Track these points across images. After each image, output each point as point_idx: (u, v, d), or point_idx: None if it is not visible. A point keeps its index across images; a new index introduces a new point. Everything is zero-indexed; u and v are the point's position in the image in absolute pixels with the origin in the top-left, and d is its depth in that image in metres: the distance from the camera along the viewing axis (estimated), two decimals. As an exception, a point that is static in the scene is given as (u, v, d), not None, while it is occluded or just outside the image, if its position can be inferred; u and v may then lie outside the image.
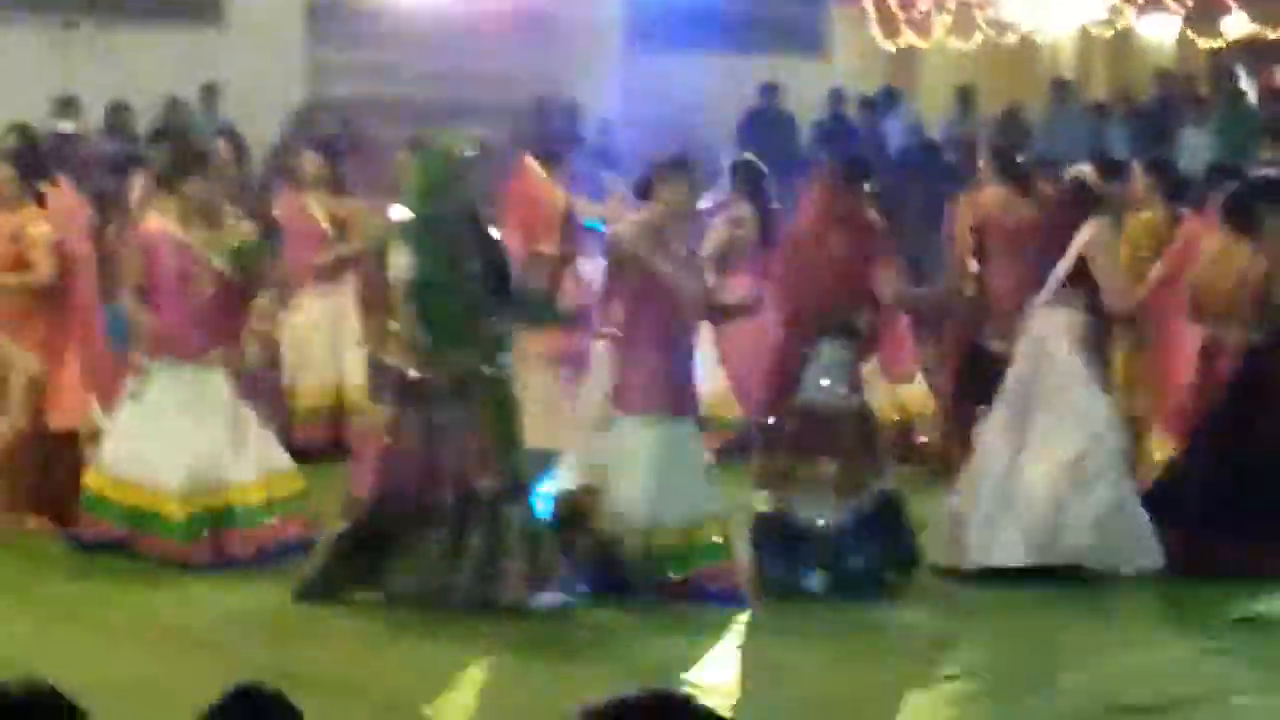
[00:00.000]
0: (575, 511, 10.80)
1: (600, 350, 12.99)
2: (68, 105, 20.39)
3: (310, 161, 14.97)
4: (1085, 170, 12.05)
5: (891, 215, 13.49)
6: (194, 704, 4.09)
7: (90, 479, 11.44)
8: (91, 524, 11.38)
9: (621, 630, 10.40)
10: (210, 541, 11.20)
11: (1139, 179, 14.87)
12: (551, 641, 10.10)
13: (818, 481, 11.07)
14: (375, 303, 11.51)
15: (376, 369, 10.87)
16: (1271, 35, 24.42)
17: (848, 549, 11.13)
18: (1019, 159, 14.55)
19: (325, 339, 14.19)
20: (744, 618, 10.55)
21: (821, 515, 11.05)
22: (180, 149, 12.90)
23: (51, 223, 12.23)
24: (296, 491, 11.56)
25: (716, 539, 10.82)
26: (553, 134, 21.05)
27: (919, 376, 14.61)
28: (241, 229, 11.95)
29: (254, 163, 17.92)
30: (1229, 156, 18.75)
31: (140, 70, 21.26)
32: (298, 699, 4.05)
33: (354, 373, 14.39)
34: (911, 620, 10.84)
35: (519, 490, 10.54)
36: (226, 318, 11.48)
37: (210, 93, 21.74)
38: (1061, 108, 24.84)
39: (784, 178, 16.88)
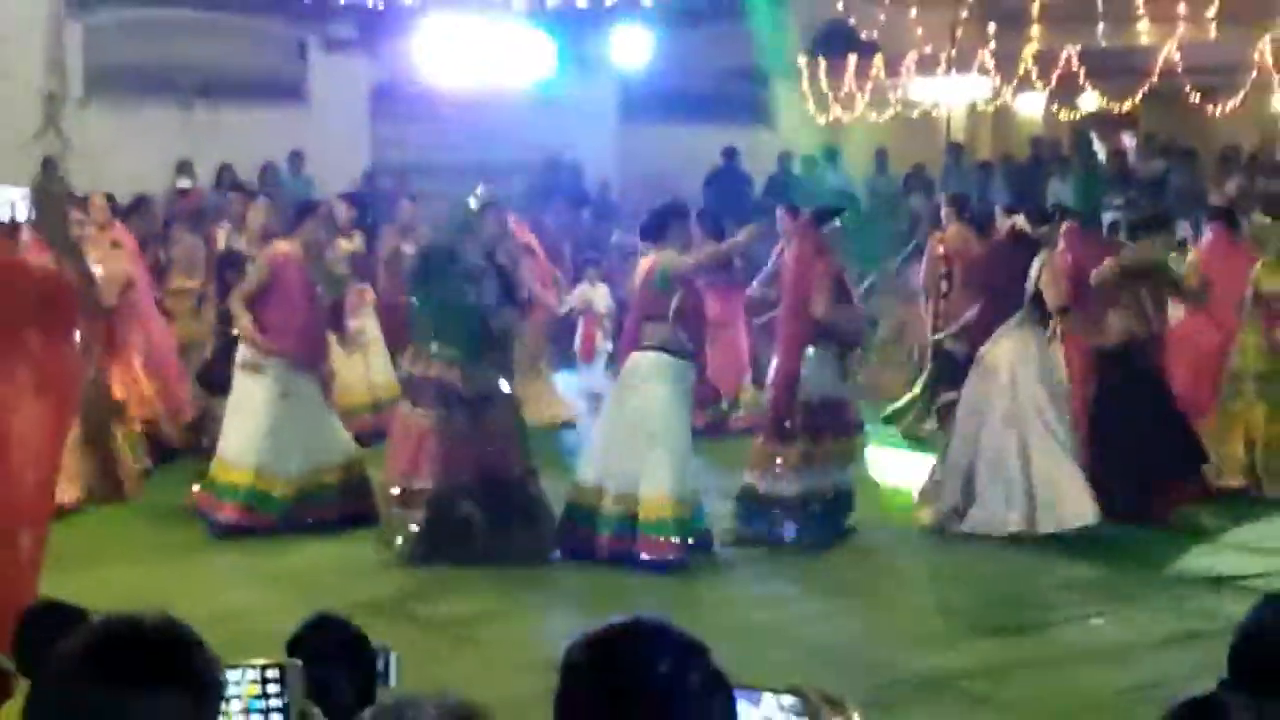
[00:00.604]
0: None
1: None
2: (185, 167, 20.43)
3: (342, 209, 14.90)
4: (1020, 219, 12.01)
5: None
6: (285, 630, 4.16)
7: (214, 468, 11.33)
8: (213, 505, 11.25)
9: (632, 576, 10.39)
10: (304, 512, 11.21)
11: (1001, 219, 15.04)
12: (581, 588, 10.20)
13: (836, 453, 11.17)
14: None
15: (414, 381, 10.74)
16: (1117, 108, 24.44)
17: (846, 507, 11.26)
18: (972, 205, 14.71)
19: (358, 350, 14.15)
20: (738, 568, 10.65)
21: (843, 480, 11.14)
22: (301, 203, 12.86)
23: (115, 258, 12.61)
24: (365, 473, 11.50)
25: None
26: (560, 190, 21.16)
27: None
28: (339, 264, 12.04)
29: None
30: (1084, 202, 18.73)
31: (241, 140, 21.24)
32: (369, 624, 4.11)
33: (380, 373, 14.44)
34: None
35: (535, 472, 10.65)
36: (321, 332, 11.47)
37: (296, 158, 21.72)
38: (956, 165, 24.78)
39: (740, 220, 16.98)
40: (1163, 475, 11.57)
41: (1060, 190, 22.24)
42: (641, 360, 10.72)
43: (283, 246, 11.49)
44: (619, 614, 2.53)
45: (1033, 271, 11.35)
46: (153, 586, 9.63)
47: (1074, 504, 11.05)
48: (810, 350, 11.09)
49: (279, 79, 23.09)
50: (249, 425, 11.19)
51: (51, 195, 5.53)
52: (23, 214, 5.24)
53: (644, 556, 10.36)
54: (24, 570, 4.30)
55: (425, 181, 20.88)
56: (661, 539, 10.39)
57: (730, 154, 24.02)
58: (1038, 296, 11.36)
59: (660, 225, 10.97)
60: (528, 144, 23.45)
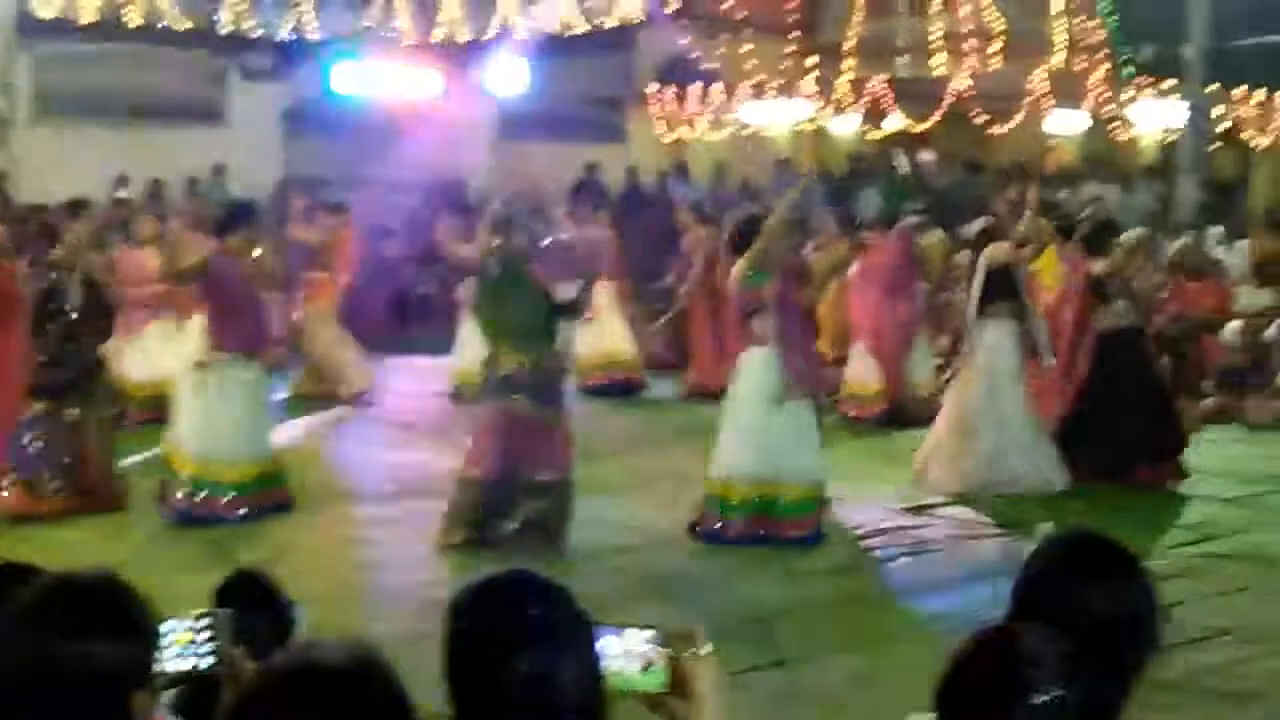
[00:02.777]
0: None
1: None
2: (122, 181, 20.14)
3: (147, 224, 13.82)
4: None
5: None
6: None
7: (173, 460, 10.20)
8: (173, 497, 10.07)
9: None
10: (259, 498, 10.18)
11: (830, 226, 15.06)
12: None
13: None
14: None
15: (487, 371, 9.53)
16: (917, 128, 24.71)
17: None
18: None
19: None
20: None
21: None
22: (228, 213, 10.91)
23: None
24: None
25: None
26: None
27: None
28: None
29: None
30: (889, 208, 18.88)
31: (170, 157, 20.99)
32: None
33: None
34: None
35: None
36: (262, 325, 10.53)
37: (218, 172, 21.50)
38: (781, 178, 24.93)
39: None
40: (1136, 455, 11.23)
41: (869, 198, 22.43)
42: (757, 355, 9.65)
43: (216, 246, 10.37)
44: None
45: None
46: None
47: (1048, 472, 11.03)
48: None
49: (203, 103, 22.91)
50: (205, 418, 10.07)
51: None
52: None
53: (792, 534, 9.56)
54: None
55: (330, 190, 20.77)
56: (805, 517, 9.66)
57: (591, 168, 23.99)
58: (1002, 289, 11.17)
59: (745, 237, 9.80)
60: (418, 159, 23.31)
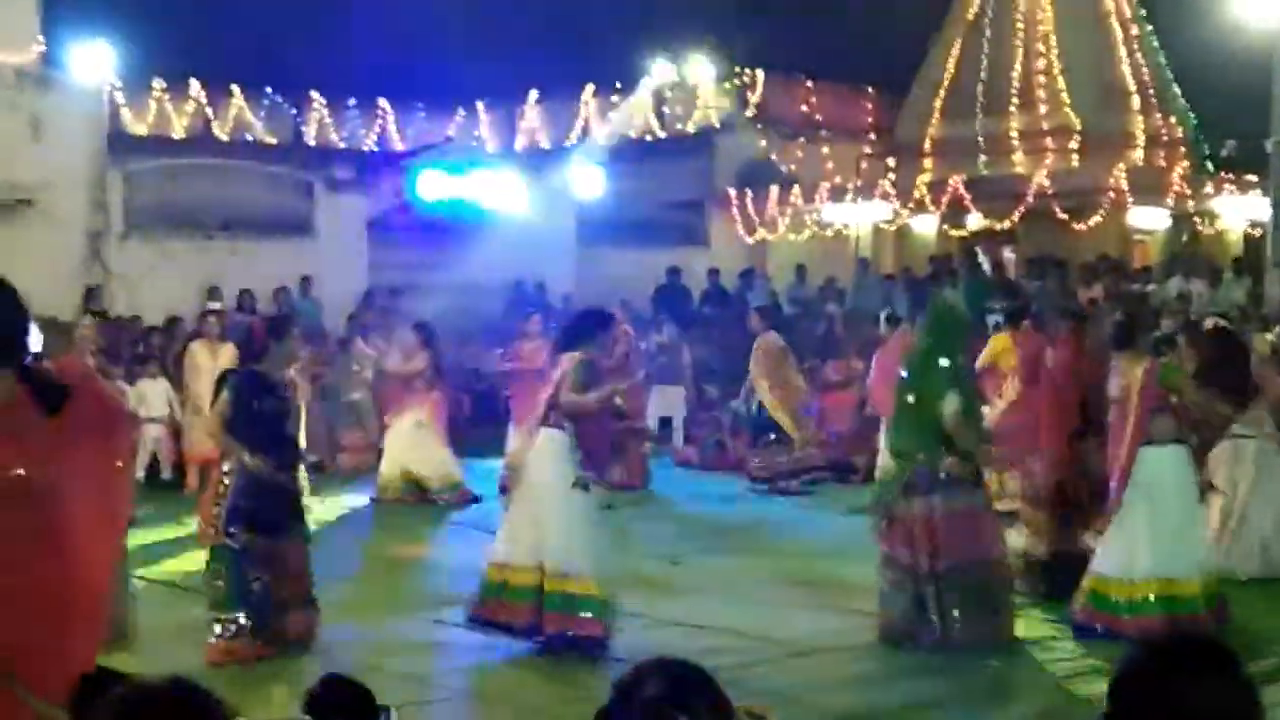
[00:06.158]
0: None
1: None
2: (213, 291, 20.40)
3: (88, 328, 13.39)
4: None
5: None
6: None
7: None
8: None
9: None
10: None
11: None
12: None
13: None
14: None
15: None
16: (997, 226, 24.61)
17: None
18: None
19: None
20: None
21: None
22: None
23: None
24: None
25: None
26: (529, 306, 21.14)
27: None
28: None
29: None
30: (972, 307, 18.77)
31: (258, 268, 21.26)
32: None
33: None
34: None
35: None
36: None
37: (306, 282, 21.72)
38: (863, 278, 24.92)
39: (684, 325, 17.06)
40: None
41: (951, 297, 22.28)
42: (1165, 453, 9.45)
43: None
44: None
45: None
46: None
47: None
48: None
49: (289, 214, 23.18)
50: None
51: (60, 325, 5.17)
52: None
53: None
54: (84, 656, 4.23)
55: (414, 299, 20.96)
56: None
57: (674, 271, 24.14)
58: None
59: (1127, 330, 9.83)
60: (501, 265, 23.50)
